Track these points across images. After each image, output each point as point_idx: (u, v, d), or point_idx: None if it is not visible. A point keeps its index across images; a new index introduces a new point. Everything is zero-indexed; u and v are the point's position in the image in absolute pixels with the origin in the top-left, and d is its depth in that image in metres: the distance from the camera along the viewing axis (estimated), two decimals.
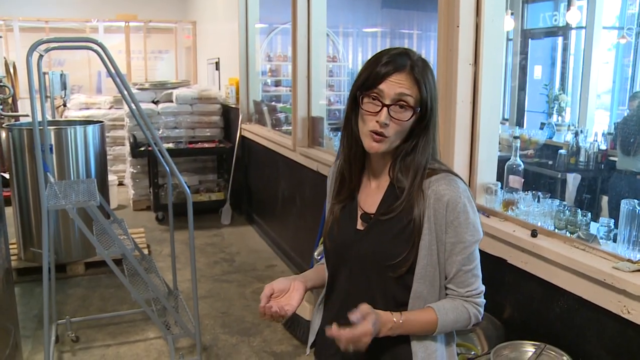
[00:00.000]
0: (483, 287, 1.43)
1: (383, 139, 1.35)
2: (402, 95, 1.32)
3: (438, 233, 1.37)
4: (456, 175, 1.42)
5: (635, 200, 1.87)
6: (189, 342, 3.64)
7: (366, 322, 1.27)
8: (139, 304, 3.41)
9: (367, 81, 1.35)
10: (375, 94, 1.34)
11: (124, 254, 3.16)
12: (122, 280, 3.04)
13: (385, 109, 1.32)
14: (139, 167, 6.82)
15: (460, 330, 1.98)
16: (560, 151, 4.64)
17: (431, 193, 1.37)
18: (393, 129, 1.34)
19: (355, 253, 1.44)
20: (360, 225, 1.46)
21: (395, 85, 1.32)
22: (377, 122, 1.33)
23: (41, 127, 4.49)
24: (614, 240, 2.02)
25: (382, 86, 1.32)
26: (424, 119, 1.37)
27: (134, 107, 3.00)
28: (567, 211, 2.14)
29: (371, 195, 1.47)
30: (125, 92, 2.89)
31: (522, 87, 8.15)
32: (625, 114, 4.77)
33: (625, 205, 1.88)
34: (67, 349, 3.60)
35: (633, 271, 1.72)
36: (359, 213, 1.47)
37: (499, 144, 2.61)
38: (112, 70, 2.87)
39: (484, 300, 1.44)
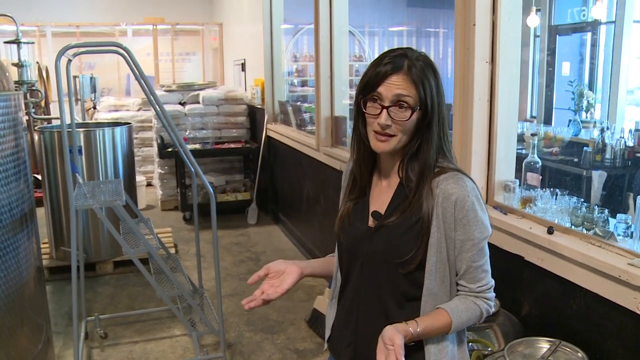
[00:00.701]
0: (493, 282, 1.46)
1: (388, 138, 1.38)
2: (400, 96, 1.35)
3: (447, 231, 1.40)
4: (464, 173, 1.44)
5: None
6: (213, 339, 3.71)
7: (395, 345, 1.31)
8: (165, 301, 3.49)
9: (367, 85, 1.39)
10: (375, 97, 1.38)
11: (149, 252, 3.23)
12: (148, 278, 3.12)
13: (384, 110, 1.36)
14: (166, 167, 6.95)
15: (476, 327, 2.01)
16: (586, 148, 4.59)
17: (440, 192, 1.39)
18: (396, 128, 1.37)
19: (366, 250, 1.48)
20: (371, 223, 1.49)
21: (393, 87, 1.35)
22: (378, 123, 1.37)
23: (70, 130, 4.64)
24: (631, 237, 2.01)
25: (381, 89, 1.36)
26: (426, 118, 1.39)
27: (158, 109, 3.07)
28: (584, 208, 2.14)
29: (382, 194, 1.50)
30: (150, 94, 2.96)
31: (549, 85, 8.06)
32: None
33: None
34: (96, 345, 3.70)
35: None
36: (370, 211, 1.50)
37: (524, 141, 2.61)
38: (137, 73, 2.95)
39: (494, 294, 1.47)
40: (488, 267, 1.44)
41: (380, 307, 1.47)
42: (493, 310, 1.48)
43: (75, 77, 6.46)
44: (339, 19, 4.42)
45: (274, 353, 3.57)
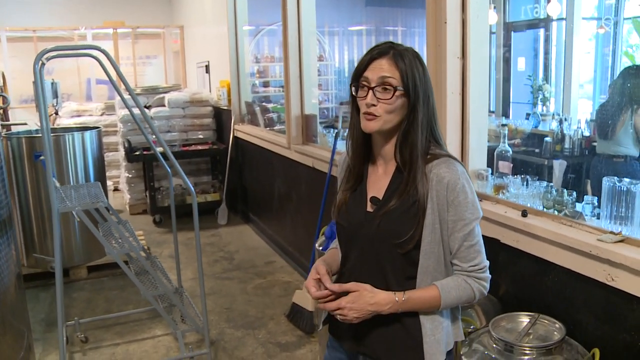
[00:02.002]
0: (487, 262, 1.58)
1: (374, 117, 1.51)
2: (383, 77, 1.49)
3: (440, 212, 1.52)
4: (455, 159, 1.57)
5: (616, 178, 2.02)
6: (196, 337, 3.76)
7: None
8: (144, 303, 3.52)
9: (356, 72, 1.54)
10: (363, 82, 1.52)
11: (130, 254, 3.27)
12: (132, 278, 3.16)
13: (370, 91, 1.50)
14: (133, 171, 6.92)
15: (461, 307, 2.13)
16: (546, 139, 4.80)
17: (433, 176, 1.51)
18: (382, 108, 1.50)
19: (366, 233, 1.58)
20: (369, 208, 1.60)
21: (377, 70, 1.50)
22: (365, 104, 1.50)
23: (38, 135, 4.60)
24: (598, 218, 2.17)
25: (367, 73, 1.51)
26: (411, 101, 1.51)
27: (136, 110, 3.11)
28: (554, 191, 2.29)
29: (379, 181, 1.61)
30: (133, 97, 2.99)
31: (506, 79, 8.31)
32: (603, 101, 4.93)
33: (606, 182, 2.02)
34: (77, 349, 3.70)
35: (615, 242, 1.87)
36: (368, 197, 1.61)
37: (488, 134, 2.75)
38: (115, 76, 2.98)
39: (489, 275, 1.59)
40: (480, 248, 1.56)
41: (382, 287, 1.56)
42: (487, 291, 1.59)
43: (34, 82, 6.37)
44: (307, 19, 4.52)
45: (256, 347, 3.64)
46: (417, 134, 1.52)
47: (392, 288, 1.55)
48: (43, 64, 3.28)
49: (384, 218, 1.54)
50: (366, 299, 1.50)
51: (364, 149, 1.63)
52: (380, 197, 1.58)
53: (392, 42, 1.54)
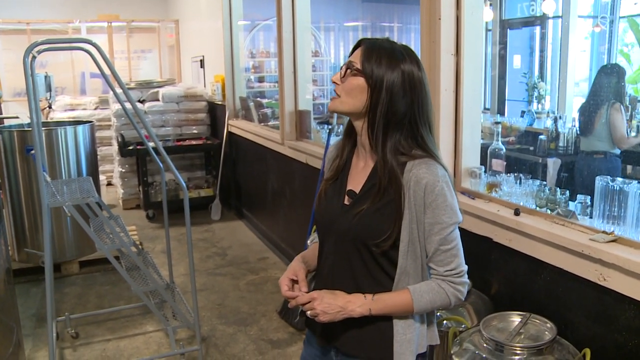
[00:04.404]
0: (465, 267, 1.53)
1: (336, 97, 1.54)
2: (350, 63, 1.51)
3: (418, 214, 1.48)
4: (437, 161, 1.51)
5: (609, 177, 2.01)
6: (187, 333, 3.74)
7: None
8: (136, 299, 3.50)
9: None
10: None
11: (121, 250, 3.25)
12: (122, 273, 3.13)
13: (340, 71, 1.54)
14: (127, 166, 6.88)
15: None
16: (541, 137, 4.79)
17: (412, 176, 1.48)
18: (342, 88, 1.52)
19: (339, 226, 1.56)
20: (346, 201, 1.59)
21: (351, 58, 1.53)
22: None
23: (29, 129, 4.56)
24: (591, 217, 2.16)
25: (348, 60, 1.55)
26: (374, 92, 1.50)
27: (128, 105, 3.08)
28: (546, 190, 2.28)
29: (358, 174, 1.60)
30: (125, 92, 2.96)
31: (502, 77, 8.31)
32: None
33: (599, 181, 2.01)
34: (68, 345, 3.68)
35: (608, 242, 1.86)
36: (347, 189, 1.60)
37: (481, 132, 2.74)
38: (107, 70, 2.95)
39: (467, 280, 1.54)
40: (458, 252, 1.51)
41: (353, 284, 1.54)
42: (464, 297, 1.54)
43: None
44: (302, 15, 4.49)
45: (248, 344, 3.63)
46: (381, 126, 1.49)
47: (364, 287, 1.53)
48: (34, 57, 3.25)
49: (360, 216, 1.52)
50: (336, 298, 1.51)
51: (348, 139, 1.64)
52: (358, 191, 1.57)
53: (388, 39, 1.54)
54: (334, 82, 1.53)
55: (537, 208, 2.28)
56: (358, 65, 1.48)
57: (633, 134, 4.31)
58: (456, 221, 1.50)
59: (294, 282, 1.58)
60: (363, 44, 1.52)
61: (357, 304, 1.49)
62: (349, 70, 1.50)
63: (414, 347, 1.55)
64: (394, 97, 1.48)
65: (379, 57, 1.48)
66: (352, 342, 1.58)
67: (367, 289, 1.53)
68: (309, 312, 1.51)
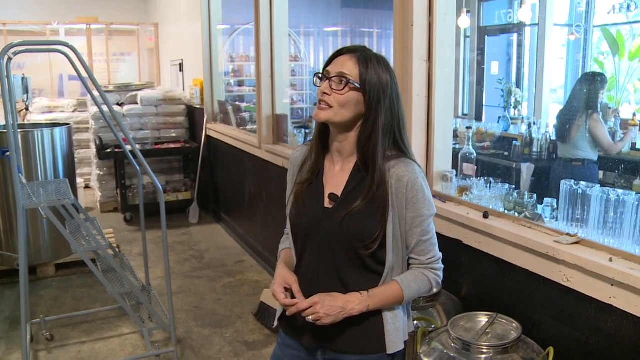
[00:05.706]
0: (440, 255, 1.65)
1: (326, 107, 1.56)
2: (342, 73, 1.54)
3: (399, 210, 1.56)
4: (412, 160, 1.62)
5: (572, 180, 2.07)
6: (163, 335, 3.74)
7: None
8: (112, 301, 3.49)
9: (324, 66, 1.60)
10: (325, 74, 1.57)
11: (98, 252, 3.24)
12: (98, 275, 3.13)
13: (327, 81, 1.55)
14: (105, 169, 6.85)
15: (420, 307, 2.18)
16: (515, 142, 4.88)
17: (393, 174, 1.56)
18: (335, 99, 1.54)
19: (324, 229, 1.60)
20: (327, 204, 1.62)
21: (338, 65, 1.56)
22: (320, 92, 1.56)
23: (4, 131, 4.53)
24: (557, 219, 2.22)
25: (330, 67, 1.57)
26: (370, 100, 1.55)
27: (105, 108, 3.09)
28: (515, 194, 2.33)
29: (336, 177, 1.64)
30: (101, 95, 2.97)
31: (479, 83, 8.43)
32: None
33: (564, 185, 2.07)
34: (42, 348, 3.65)
35: (571, 243, 1.92)
36: (326, 193, 1.63)
37: (457, 137, 2.80)
38: (84, 73, 2.96)
39: (442, 266, 1.66)
40: (435, 241, 1.64)
41: (339, 283, 1.59)
42: (441, 280, 1.66)
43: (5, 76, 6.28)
44: (279, 19, 4.53)
45: (224, 346, 3.64)
46: (378, 137, 1.56)
47: (351, 285, 1.58)
48: (10, 58, 3.25)
49: (349, 218, 1.56)
50: (336, 300, 1.54)
51: (319, 143, 1.67)
52: (339, 194, 1.61)
53: (365, 47, 1.60)
54: (324, 93, 1.55)
55: (506, 211, 2.34)
56: (356, 80, 1.53)
57: (618, 138, 4.37)
58: (433, 212, 1.61)
59: (287, 290, 1.61)
60: (356, 56, 1.55)
61: (356, 302, 1.55)
62: (350, 84, 1.53)
63: (402, 335, 1.64)
64: (388, 109, 1.56)
65: (374, 73, 1.54)
66: (345, 340, 1.62)
67: (354, 286, 1.58)
68: (310, 317, 1.53)
